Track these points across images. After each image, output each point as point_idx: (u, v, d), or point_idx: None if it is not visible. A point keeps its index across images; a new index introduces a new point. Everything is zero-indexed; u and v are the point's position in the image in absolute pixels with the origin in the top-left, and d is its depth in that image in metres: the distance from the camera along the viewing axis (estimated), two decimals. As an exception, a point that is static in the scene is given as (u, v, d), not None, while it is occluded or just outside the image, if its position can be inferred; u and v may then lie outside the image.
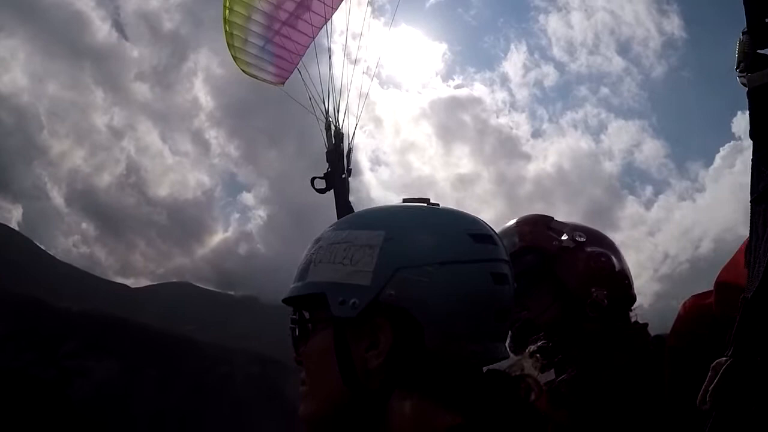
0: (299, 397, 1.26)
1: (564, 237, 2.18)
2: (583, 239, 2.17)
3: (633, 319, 2.19)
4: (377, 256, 1.14)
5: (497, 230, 1.31)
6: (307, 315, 1.27)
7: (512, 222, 2.30)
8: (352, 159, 5.34)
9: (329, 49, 5.54)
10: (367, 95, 5.50)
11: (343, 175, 5.23)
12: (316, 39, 5.61)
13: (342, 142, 5.33)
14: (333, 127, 5.35)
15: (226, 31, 5.67)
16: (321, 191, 5.19)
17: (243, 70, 5.87)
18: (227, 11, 5.57)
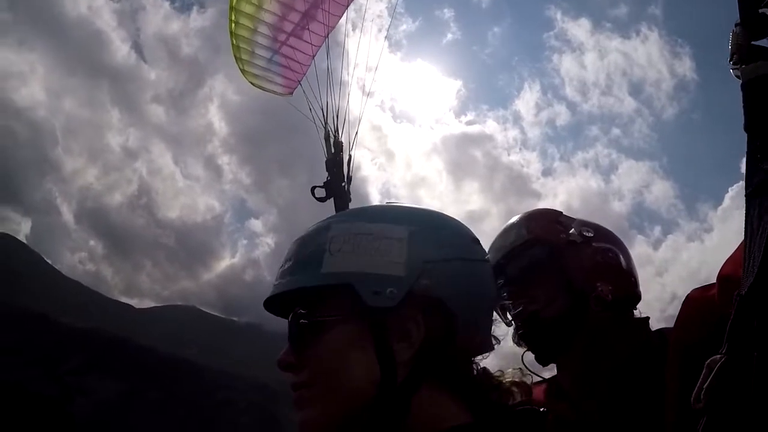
0: (297, 403, 1.18)
1: (572, 231, 2.17)
2: (590, 234, 2.16)
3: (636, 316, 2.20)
4: (407, 249, 1.15)
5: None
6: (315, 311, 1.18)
7: (520, 215, 2.29)
8: (353, 167, 5.39)
9: (328, 60, 5.65)
10: (366, 100, 5.60)
11: (343, 184, 5.28)
12: (318, 48, 5.72)
13: (341, 152, 5.38)
14: (332, 137, 5.41)
15: (233, 44, 5.79)
16: (321, 200, 5.22)
17: (251, 83, 5.99)
18: (233, 24, 5.69)
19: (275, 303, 1.24)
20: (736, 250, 1.47)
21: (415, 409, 1.11)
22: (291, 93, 6.04)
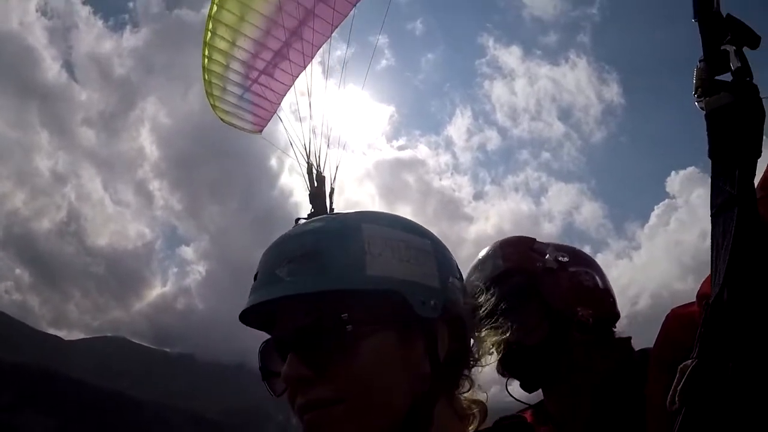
0: (318, 423, 1.01)
1: (547, 257, 2.20)
2: (566, 259, 2.19)
3: (617, 335, 2.22)
4: (435, 262, 1.13)
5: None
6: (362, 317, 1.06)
7: (494, 245, 2.30)
8: (335, 200, 5.46)
9: (309, 94, 5.70)
10: (344, 145, 5.66)
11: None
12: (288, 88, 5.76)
13: (323, 185, 5.43)
14: (315, 171, 5.46)
15: (204, 79, 5.77)
16: None
17: (221, 119, 5.97)
18: (206, 59, 5.68)
19: (254, 310, 1.08)
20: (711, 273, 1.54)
21: (435, 421, 1.07)
22: (260, 131, 6.05)
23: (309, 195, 5.45)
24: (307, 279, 1.02)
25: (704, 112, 1.25)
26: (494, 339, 1.22)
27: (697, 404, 1.13)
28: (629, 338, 2.22)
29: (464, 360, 1.17)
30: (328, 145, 5.53)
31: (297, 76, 5.72)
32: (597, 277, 2.21)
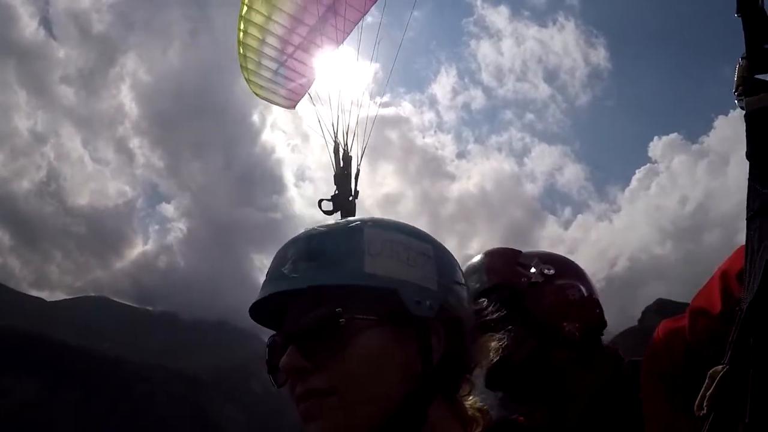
0: (310, 413, 1.08)
1: (533, 271, 2.17)
2: (551, 272, 2.16)
3: (605, 344, 2.23)
4: (435, 266, 1.18)
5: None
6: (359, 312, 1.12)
7: (479, 257, 2.27)
8: (359, 181, 5.40)
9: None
10: (374, 120, 5.64)
11: (350, 198, 5.31)
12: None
13: (350, 165, 5.38)
14: (342, 150, 5.40)
15: (240, 53, 5.72)
16: (328, 213, 5.18)
17: (255, 93, 5.95)
18: (242, 33, 5.63)
19: (267, 301, 1.15)
20: (706, 285, 1.54)
21: (431, 421, 1.10)
22: (294, 106, 6.04)
23: (334, 176, 5.39)
24: (307, 275, 1.10)
25: (744, 112, 1.24)
26: (494, 345, 1.25)
27: (728, 410, 1.15)
28: (616, 350, 2.23)
29: (462, 363, 1.19)
30: (357, 123, 5.48)
31: (332, 53, 5.69)
32: (582, 288, 2.18)
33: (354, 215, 5.23)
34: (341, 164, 5.39)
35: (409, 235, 1.20)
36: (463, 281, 1.25)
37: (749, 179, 1.22)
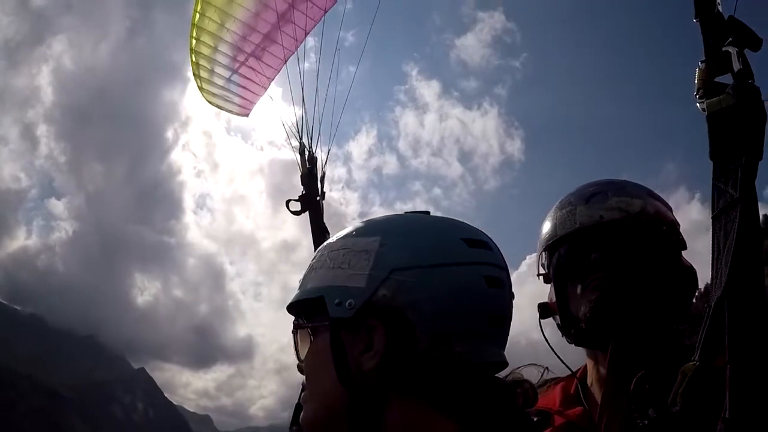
0: (302, 401, 1.29)
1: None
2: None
3: None
4: (373, 260, 1.17)
5: None
6: (303, 322, 1.29)
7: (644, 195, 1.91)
8: (326, 183, 5.47)
9: (301, 75, 5.67)
10: (338, 124, 5.75)
11: (318, 198, 5.37)
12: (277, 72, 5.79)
13: (315, 166, 5.40)
14: (307, 152, 5.42)
15: (192, 61, 5.67)
16: (296, 213, 5.22)
17: (208, 101, 5.88)
18: (194, 41, 5.61)
19: None
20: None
21: (390, 418, 1.13)
22: (247, 114, 6.02)
23: (300, 176, 5.45)
24: (292, 296, 1.30)
25: (705, 114, 1.31)
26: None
27: (700, 406, 1.20)
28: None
29: (415, 358, 1.14)
30: (320, 125, 5.58)
31: (286, 60, 5.77)
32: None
33: (322, 215, 5.30)
34: (307, 165, 5.43)
35: (357, 235, 1.24)
36: (428, 263, 1.16)
37: (713, 179, 1.28)
